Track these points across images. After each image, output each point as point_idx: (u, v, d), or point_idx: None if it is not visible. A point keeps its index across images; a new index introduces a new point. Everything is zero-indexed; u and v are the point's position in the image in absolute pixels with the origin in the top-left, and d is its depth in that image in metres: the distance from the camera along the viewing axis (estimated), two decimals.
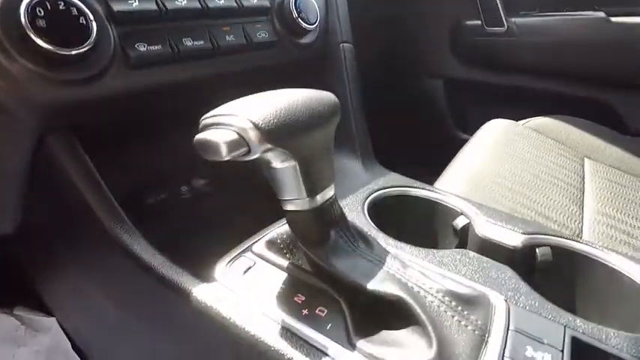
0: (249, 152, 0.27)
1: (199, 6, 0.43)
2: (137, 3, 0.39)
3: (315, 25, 0.55)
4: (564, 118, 0.98)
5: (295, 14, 0.52)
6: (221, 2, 0.45)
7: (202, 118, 0.29)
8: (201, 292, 0.34)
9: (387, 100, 1.26)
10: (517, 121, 0.96)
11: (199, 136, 0.27)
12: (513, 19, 1.10)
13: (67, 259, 0.53)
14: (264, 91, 0.32)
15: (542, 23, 1.07)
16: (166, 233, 0.45)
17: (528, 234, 0.42)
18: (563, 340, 0.28)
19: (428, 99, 1.29)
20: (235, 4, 0.46)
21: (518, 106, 1.07)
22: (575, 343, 0.28)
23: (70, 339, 0.85)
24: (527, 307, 0.32)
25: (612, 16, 0.96)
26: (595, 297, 0.38)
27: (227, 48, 0.46)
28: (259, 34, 0.49)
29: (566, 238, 0.42)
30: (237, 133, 0.26)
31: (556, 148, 0.89)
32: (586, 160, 0.87)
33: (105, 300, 0.50)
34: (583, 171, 0.83)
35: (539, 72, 1.11)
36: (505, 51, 1.13)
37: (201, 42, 0.43)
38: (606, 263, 0.39)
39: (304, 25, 0.53)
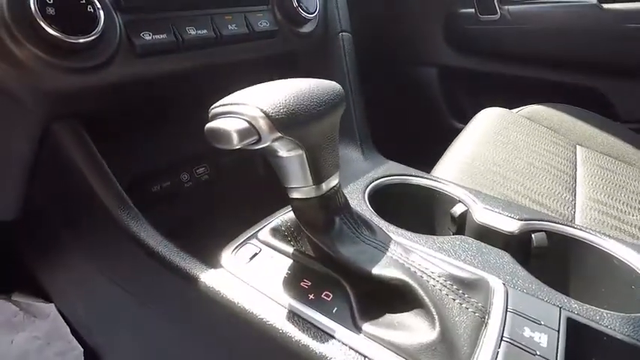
0: (259, 141, 0.28)
1: None
2: None
3: (314, 15, 0.55)
4: (557, 105, 0.99)
5: (295, 3, 0.52)
6: None
7: (212, 107, 0.29)
8: (208, 278, 0.35)
9: (381, 88, 1.26)
10: (511, 109, 0.97)
11: (210, 124, 0.28)
12: (506, 7, 1.11)
13: (70, 245, 0.54)
14: (266, 80, 0.32)
15: (535, 10, 1.07)
16: (171, 220, 0.46)
17: (524, 220, 0.43)
18: (559, 321, 0.30)
19: (422, 87, 1.29)
20: None
21: (511, 94, 1.09)
22: (571, 323, 0.30)
23: (68, 324, 0.85)
24: (525, 290, 0.33)
25: (604, 2, 0.97)
26: (589, 280, 0.40)
27: (229, 37, 0.46)
28: (260, 23, 0.50)
29: (561, 224, 0.44)
30: (248, 122, 0.27)
31: (549, 135, 0.91)
32: (578, 147, 0.89)
33: (108, 285, 0.51)
34: (575, 158, 0.85)
35: (532, 60, 1.12)
36: (498, 39, 1.14)
37: (205, 31, 0.43)
38: (600, 247, 0.41)
39: (304, 14, 0.53)
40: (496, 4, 1.11)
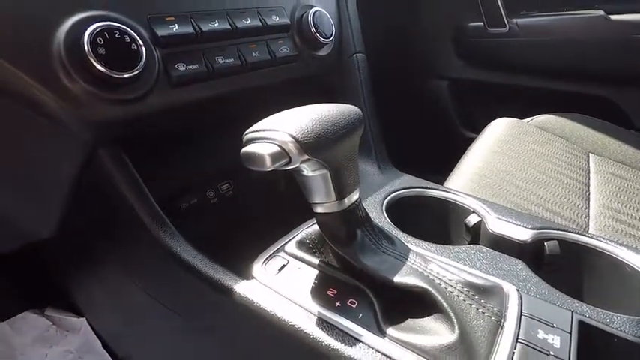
0: (289, 163, 0.31)
1: (229, 27, 0.47)
2: (177, 27, 0.43)
3: (331, 39, 0.58)
4: (569, 115, 1.00)
5: (313, 29, 0.56)
6: (247, 22, 0.49)
7: (245, 132, 0.33)
8: (242, 289, 0.38)
9: (395, 101, 1.29)
10: (522, 119, 0.99)
11: (245, 149, 0.31)
12: (515, 20, 1.13)
13: (107, 260, 0.58)
14: (288, 102, 0.36)
15: (543, 23, 1.10)
16: (201, 235, 0.49)
17: (536, 229, 0.45)
18: (571, 324, 0.32)
19: (434, 99, 1.32)
20: (260, 23, 0.50)
21: (523, 105, 1.10)
22: (582, 326, 0.32)
23: (99, 337, 0.89)
24: (538, 296, 0.35)
25: (611, 14, 0.99)
26: (601, 286, 0.42)
27: (254, 64, 0.49)
28: (281, 50, 0.53)
29: (573, 232, 0.45)
30: (279, 146, 0.30)
31: (561, 144, 0.92)
32: (591, 155, 0.90)
33: (144, 298, 0.54)
34: (588, 166, 0.86)
35: (542, 71, 1.14)
36: (508, 51, 1.16)
37: (232, 59, 0.47)
38: (612, 255, 0.43)
39: (321, 39, 0.57)
40: (504, 17, 1.14)
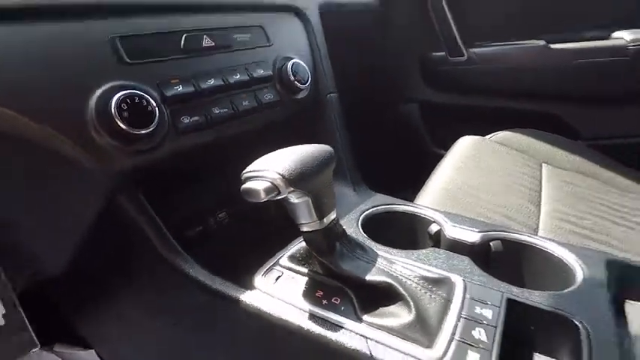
0: (278, 194, 0.40)
1: (222, 83, 0.57)
2: (180, 87, 0.53)
3: (307, 84, 0.69)
4: (524, 130, 1.13)
5: (292, 77, 0.67)
6: (237, 77, 0.60)
7: (243, 172, 0.42)
8: (248, 299, 0.47)
9: (371, 127, 1.41)
10: (484, 136, 1.11)
11: (245, 186, 0.41)
12: (472, 50, 1.28)
13: (119, 294, 0.65)
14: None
15: (496, 52, 1.24)
16: (207, 257, 0.58)
17: (484, 232, 0.55)
18: (501, 301, 0.41)
19: (406, 122, 1.45)
20: (248, 77, 0.61)
21: (485, 123, 1.23)
22: (509, 302, 0.42)
23: None
24: (478, 283, 0.45)
25: (551, 43, 1.14)
26: (532, 273, 0.52)
27: (244, 111, 0.60)
28: (266, 96, 0.64)
29: (513, 232, 0.56)
30: (271, 182, 0.40)
31: (518, 157, 1.04)
32: (543, 165, 1.02)
33: (158, 323, 0.62)
34: (541, 175, 0.98)
35: (499, 93, 1.28)
36: (468, 77, 1.31)
37: (226, 109, 0.58)
38: (542, 248, 0.53)
39: (299, 85, 0.68)
40: (462, 47, 1.28)
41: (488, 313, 0.40)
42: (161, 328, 0.64)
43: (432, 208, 0.63)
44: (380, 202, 0.66)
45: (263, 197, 0.39)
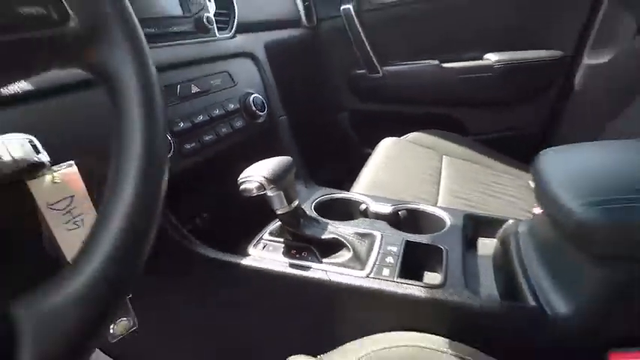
0: (264, 190, 0.65)
1: (208, 118, 0.80)
2: (182, 124, 0.75)
3: (265, 112, 0.94)
4: (430, 131, 1.46)
5: (253, 108, 0.92)
6: (217, 112, 0.83)
7: (239, 178, 0.66)
8: (248, 262, 0.71)
9: (315, 133, 1.68)
10: (400, 137, 1.43)
11: (242, 186, 0.65)
12: (385, 68, 1.60)
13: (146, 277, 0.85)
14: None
15: (404, 69, 1.57)
16: (209, 241, 0.80)
17: (394, 205, 0.85)
18: (401, 242, 0.70)
19: (340, 128, 1.74)
20: (224, 111, 0.85)
21: (400, 126, 1.54)
22: (407, 243, 0.70)
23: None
24: (390, 234, 0.74)
25: (442, 62, 1.50)
26: (423, 227, 0.82)
27: (224, 136, 0.83)
28: (237, 124, 0.88)
29: (414, 203, 0.86)
30: (259, 182, 0.64)
31: (425, 152, 1.37)
32: (444, 157, 1.36)
33: (177, 300, 0.83)
34: (441, 165, 1.31)
35: (409, 101, 1.61)
36: (385, 89, 1.62)
37: (212, 136, 0.81)
38: (429, 212, 0.83)
39: (259, 112, 0.93)
40: (378, 66, 1.60)
41: (394, 248, 0.69)
42: (183, 301, 0.85)
43: (362, 194, 0.92)
44: (325, 193, 0.93)
45: (255, 193, 0.64)
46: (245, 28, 1.04)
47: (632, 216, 0.46)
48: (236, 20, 0.98)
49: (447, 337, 0.55)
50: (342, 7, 1.54)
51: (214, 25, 0.89)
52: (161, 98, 0.34)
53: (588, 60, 1.36)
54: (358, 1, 1.54)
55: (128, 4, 0.34)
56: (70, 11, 0.31)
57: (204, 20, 0.84)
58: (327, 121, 1.76)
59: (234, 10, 0.99)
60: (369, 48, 1.57)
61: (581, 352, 0.53)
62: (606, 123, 1.23)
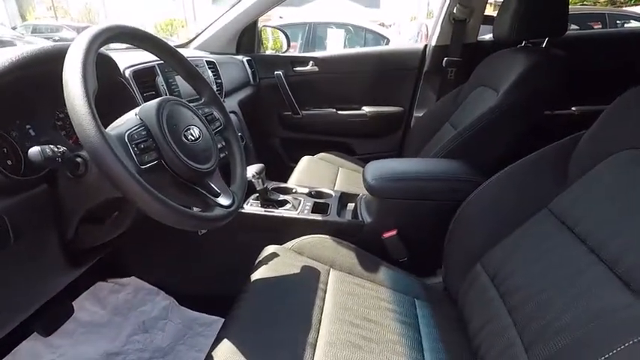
0: (253, 179, 1.48)
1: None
2: None
3: (243, 142, 1.76)
4: (331, 152, 2.36)
5: None
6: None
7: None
8: (244, 210, 1.51)
9: (259, 150, 2.52)
10: (313, 156, 2.33)
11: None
12: (303, 112, 2.51)
13: (154, 241, 1.57)
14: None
15: (314, 113, 2.50)
16: None
17: (309, 189, 1.71)
18: (312, 202, 1.57)
19: (275, 150, 2.61)
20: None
21: (313, 149, 2.43)
22: (314, 202, 1.57)
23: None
24: (307, 200, 1.60)
25: (339, 110, 2.47)
26: (322, 197, 1.71)
27: (222, 155, 1.63)
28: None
29: (318, 188, 1.74)
30: (251, 177, 1.47)
31: (327, 165, 2.24)
32: (340, 168, 2.27)
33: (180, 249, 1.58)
34: (337, 171, 2.22)
35: (319, 133, 2.54)
36: (302, 125, 2.52)
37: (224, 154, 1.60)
38: (326, 191, 1.72)
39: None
40: (298, 110, 2.50)
41: (309, 204, 1.55)
42: (180, 247, 1.60)
43: (297, 185, 1.78)
44: (275, 183, 1.77)
45: (250, 179, 1.46)
46: (227, 93, 1.87)
47: (388, 183, 1.39)
48: (224, 91, 1.80)
49: (332, 236, 1.42)
50: (275, 72, 2.43)
51: None
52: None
53: (416, 113, 2.43)
54: (285, 70, 2.45)
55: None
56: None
57: None
58: (266, 144, 2.60)
59: (222, 84, 1.80)
60: (292, 98, 2.46)
61: (372, 236, 1.44)
62: (424, 145, 2.24)
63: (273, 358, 0.84)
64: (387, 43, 6.61)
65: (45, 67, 0.80)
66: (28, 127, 0.88)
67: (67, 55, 0.71)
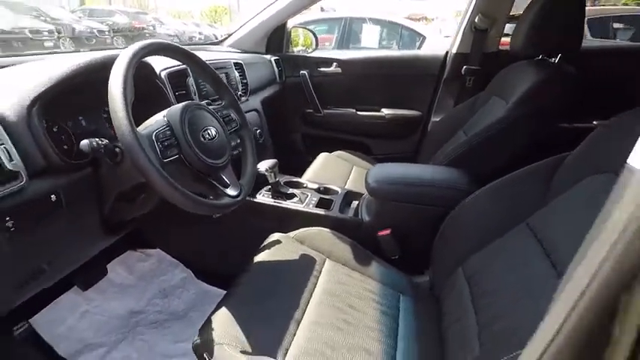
0: (265, 172, 1.64)
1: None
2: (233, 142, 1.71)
3: (262, 138, 1.92)
4: (348, 150, 2.49)
5: (257, 136, 1.89)
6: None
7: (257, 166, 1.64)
8: (257, 200, 1.68)
9: (280, 145, 2.69)
10: (331, 152, 2.47)
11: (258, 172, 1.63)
12: (324, 111, 2.64)
13: (176, 221, 1.77)
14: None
15: (336, 112, 2.62)
16: None
17: (319, 185, 1.86)
18: (318, 197, 1.72)
19: (296, 145, 2.77)
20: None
21: (331, 146, 2.57)
22: (319, 198, 1.72)
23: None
24: (315, 195, 1.75)
25: (359, 111, 2.59)
26: (330, 194, 1.85)
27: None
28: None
29: (328, 184, 1.88)
30: (264, 171, 1.63)
31: (343, 163, 2.38)
32: (354, 167, 2.40)
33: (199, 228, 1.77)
34: (351, 169, 2.35)
35: (339, 131, 2.67)
36: (325, 123, 2.67)
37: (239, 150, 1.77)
38: (334, 188, 1.86)
39: (259, 138, 1.90)
40: (320, 108, 2.63)
41: (315, 198, 1.70)
42: (200, 229, 1.78)
43: (308, 180, 1.92)
44: (287, 179, 1.92)
45: (263, 172, 1.62)
46: (251, 91, 2.03)
47: (387, 186, 1.51)
48: (249, 90, 1.96)
49: (333, 229, 1.56)
50: (300, 72, 2.57)
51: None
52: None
53: (434, 118, 2.51)
54: (310, 70, 2.59)
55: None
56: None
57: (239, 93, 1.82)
58: (288, 140, 2.78)
59: (247, 84, 1.97)
60: (315, 97, 2.60)
61: (369, 233, 1.57)
62: (437, 150, 2.33)
63: (261, 327, 1.00)
64: (423, 41, 6.57)
65: (97, 74, 0.98)
66: (80, 118, 1.08)
67: (112, 69, 0.89)
